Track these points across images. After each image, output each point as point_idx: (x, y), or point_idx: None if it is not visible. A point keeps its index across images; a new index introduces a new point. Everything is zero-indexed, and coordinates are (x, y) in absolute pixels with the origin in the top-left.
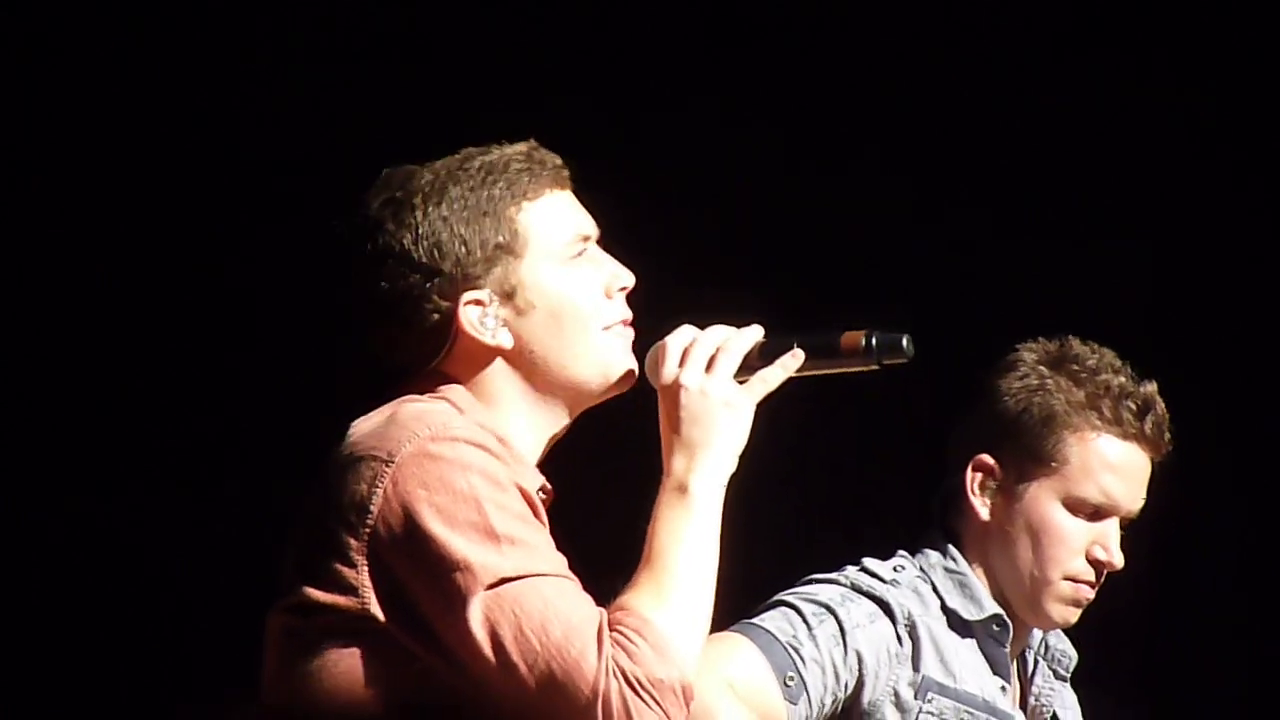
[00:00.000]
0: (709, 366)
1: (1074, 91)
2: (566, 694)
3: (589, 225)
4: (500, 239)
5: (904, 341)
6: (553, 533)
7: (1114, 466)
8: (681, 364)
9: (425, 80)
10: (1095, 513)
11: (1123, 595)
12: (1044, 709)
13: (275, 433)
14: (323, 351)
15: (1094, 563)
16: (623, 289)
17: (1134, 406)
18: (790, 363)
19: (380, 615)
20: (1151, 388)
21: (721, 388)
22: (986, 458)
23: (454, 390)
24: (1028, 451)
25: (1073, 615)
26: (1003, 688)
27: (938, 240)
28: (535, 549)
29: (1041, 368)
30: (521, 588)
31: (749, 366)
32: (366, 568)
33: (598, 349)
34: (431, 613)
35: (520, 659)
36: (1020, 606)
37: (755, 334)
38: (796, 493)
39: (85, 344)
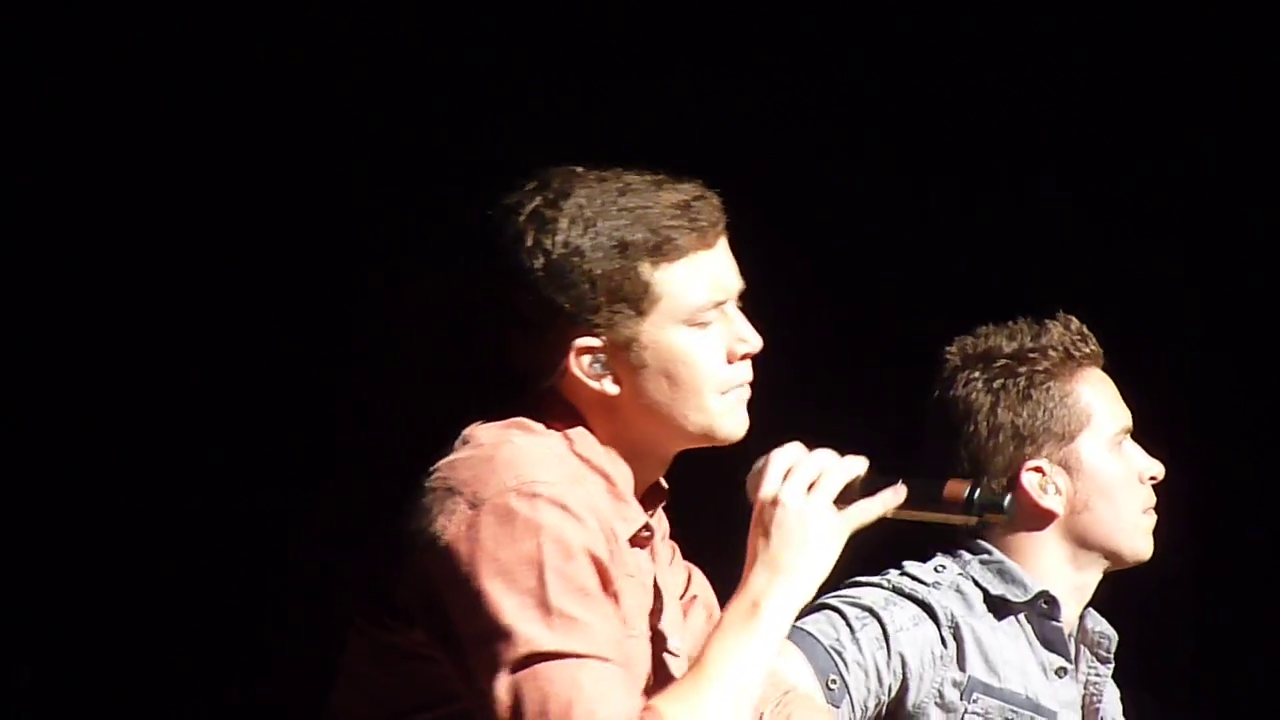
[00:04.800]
0: (811, 489)
1: (1101, 90)
2: None
3: (729, 287)
4: (627, 294)
5: (1006, 501)
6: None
7: (1112, 395)
8: (784, 481)
9: (429, 76)
10: (1123, 442)
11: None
12: (1095, 696)
13: (289, 433)
14: (337, 348)
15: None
16: (745, 355)
17: (1077, 341)
18: (891, 499)
19: (432, 648)
20: (1059, 321)
21: (820, 513)
22: (1037, 463)
23: (570, 418)
24: (1058, 434)
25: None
26: (1062, 669)
27: (967, 244)
28: (587, 628)
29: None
30: (556, 668)
31: (847, 498)
32: (427, 601)
33: (707, 412)
34: (471, 661)
35: None
36: (1124, 551)
37: (859, 465)
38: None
39: (101, 343)
